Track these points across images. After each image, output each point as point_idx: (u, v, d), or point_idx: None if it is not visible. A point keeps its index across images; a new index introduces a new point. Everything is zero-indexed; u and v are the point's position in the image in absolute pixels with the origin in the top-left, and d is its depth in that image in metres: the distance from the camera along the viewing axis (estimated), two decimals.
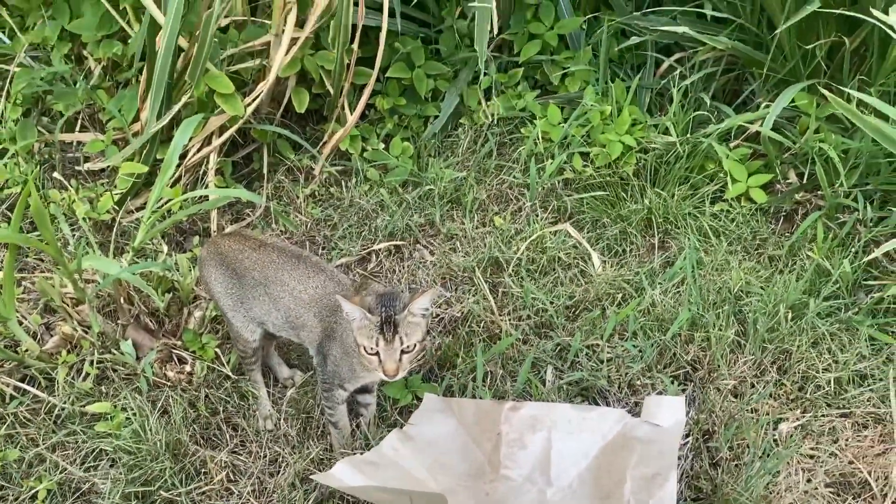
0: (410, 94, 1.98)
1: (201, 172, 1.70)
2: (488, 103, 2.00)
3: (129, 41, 1.88)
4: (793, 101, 1.70)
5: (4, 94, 1.86)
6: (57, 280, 1.40)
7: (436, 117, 1.96)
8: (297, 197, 1.75)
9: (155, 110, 1.56)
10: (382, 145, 1.91)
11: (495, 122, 1.96)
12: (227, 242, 1.27)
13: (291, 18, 1.63)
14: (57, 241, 1.31)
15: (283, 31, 1.65)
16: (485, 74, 2.02)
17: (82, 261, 1.28)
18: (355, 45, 1.72)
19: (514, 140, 1.92)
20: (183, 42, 1.61)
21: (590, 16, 2.00)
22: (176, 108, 1.59)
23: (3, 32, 2.03)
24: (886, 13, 1.40)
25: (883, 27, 1.43)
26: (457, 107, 1.98)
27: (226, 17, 1.70)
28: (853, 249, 1.50)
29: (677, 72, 1.86)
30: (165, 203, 1.48)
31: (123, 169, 1.56)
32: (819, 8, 1.59)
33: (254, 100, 1.62)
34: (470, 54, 2.05)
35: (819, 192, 1.62)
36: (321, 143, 1.85)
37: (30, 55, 1.94)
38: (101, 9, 1.87)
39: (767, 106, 1.72)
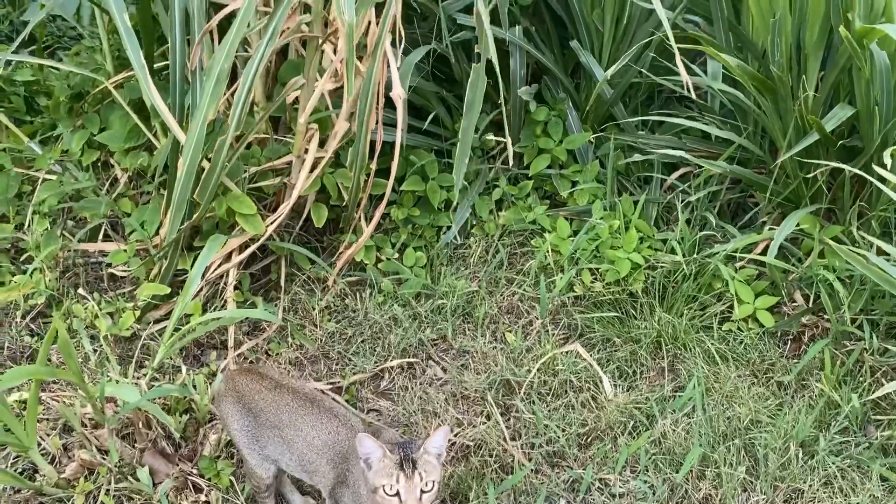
0: (424, 205, 2.04)
1: (220, 286, 1.74)
2: (499, 214, 2.06)
3: (155, 153, 1.96)
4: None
5: (32, 204, 1.94)
6: (77, 402, 1.42)
7: (448, 227, 2.01)
8: (313, 309, 1.79)
9: (175, 228, 1.61)
10: (396, 254, 1.96)
11: (506, 233, 2.01)
12: (244, 380, 1.30)
13: (314, 143, 1.70)
14: (78, 360, 1.35)
15: (306, 153, 1.72)
16: (496, 186, 2.10)
17: (104, 387, 1.30)
18: (373, 165, 1.79)
19: (525, 252, 1.97)
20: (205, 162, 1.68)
21: (598, 134, 2.07)
22: (196, 216, 1.64)
23: (35, 139, 2.12)
24: (881, 155, 1.46)
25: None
26: (468, 217, 2.04)
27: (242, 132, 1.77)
28: (861, 380, 1.52)
29: (682, 188, 1.93)
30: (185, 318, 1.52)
31: (146, 291, 1.61)
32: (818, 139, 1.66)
33: (274, 220, 1.68)
34: (481, 166, 2.13)
35: (826, 316, 1.65)
36: (337, 254, 1.90)
37: (57, 160, 2.02)
38: (130, 121, 1.96)
39: (772, 228, 1.78)
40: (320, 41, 1.56)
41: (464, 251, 1.98)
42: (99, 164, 2.09)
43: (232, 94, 1.61)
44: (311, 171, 1.70)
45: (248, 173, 1.78)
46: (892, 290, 1.37)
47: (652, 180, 2.02)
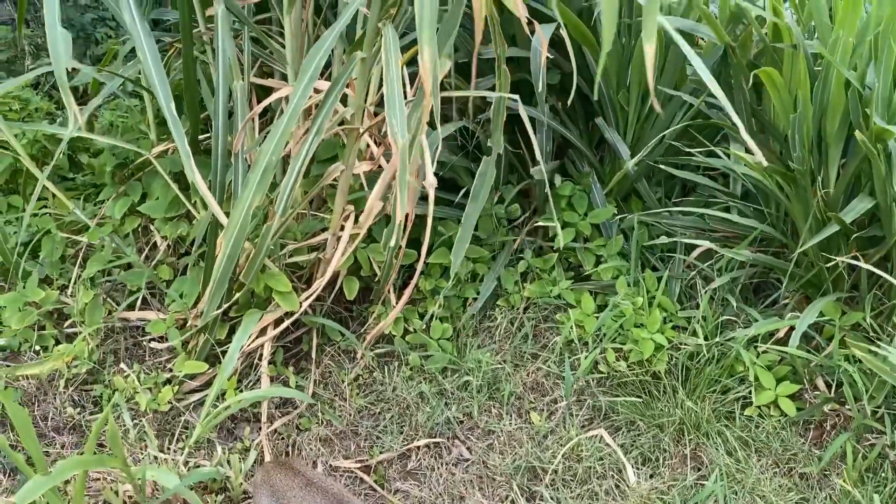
0: (449, 275, 2.09)
1: (254, 359, 1.80)
2: (524, 285, 2.11)
3: (195, 222, 2.04)
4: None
5: (76, 274, 2.02)
6: (119, 482, 1.48)
7: (475, 299, 2.07)
8: (343, 381, 1.84)
9: (214, 306, 1.68)
10: (423, 325, 2.01)
11: (531, 305, 2.06)
12: (279, 475, 1.37)
13: (349, 223, 1.77)
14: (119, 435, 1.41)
15: (342, 229, 1.79)
16: (521, 259, 2.15)
17: (145, 471, 1.36)
18: (403, 242, 1.85)
19: (550, 327, 2.01)
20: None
21: (621, 215, 2.12)
22: (235, 297, 1.71)
23: (79, 205, 2.22)
24: None
25: None
26: (494, 289, 2.09)
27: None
28: (883, 476, 1.54)
29: (704, 267, 1.97)
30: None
31: (185, 369, 1.67)
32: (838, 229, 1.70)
33: (309, 296, 1.74)
34: (507, 238, 2.19)
35: (848, 406, 1.67)
36: (366, 326, 1.96)
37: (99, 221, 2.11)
38: (171, 192, 2.04)
39: (794, 313, 1.81)
40: (361, 131, 1.63)
41: (490, 323, 2.03)
42: (139, 229, 2.17)
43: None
44: (346, 250, 1.76)
45: (285, 250, 1.85)
46: None
47: (675, 255, 2.06)
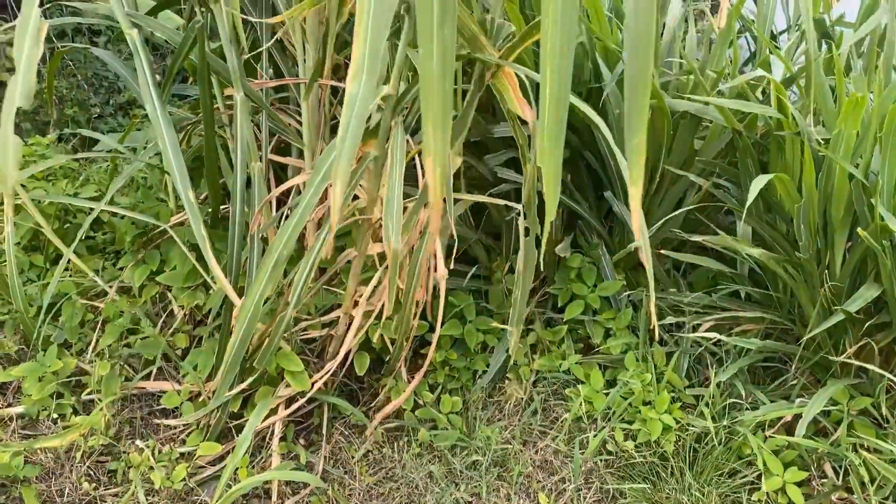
0: (460, 346, 2.12)
1: (266, 435, 1.84)
2: (534, 357, 2.13)
3: (211, 293, 2.09)
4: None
5: (94, 338, 2.07)
6: None
7: (484, 371, 2.09)
8: (353, 457, 1.87)
9: (226, 387, 1.72)
10: (433, 397, 2.04)
11: (540, 379, 2.08)
12: None
13: (363, 301, 1.81)
14: None
15: (355, 306, 1.83)
16: (531, 330, 2.18)
17: None
18: (415, 322, 1.88)
19: (559, 402, 2.03)
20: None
21: (630, 291, 2.14)
22: (247, 381, 1.75)
23: (98, 264, 2.28)
24: None
25: None
26: (504, 361, 2.11)
27: None
28: None
29: (713, 344, 1.99)
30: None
31: (200, 450, 1.71)
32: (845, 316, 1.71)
33: (321, 377, 1.77)
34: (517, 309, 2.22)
35: (856, 495, 1.67)
36: (376, 401, 1.99)
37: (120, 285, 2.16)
38: (189, 262, 2.09)
39: (802, 397, 1.82)
40: (373, 220, 1.68)
41: (499, 397, 2.05)
42: (157, 295, 2.23)
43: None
44: (358, 332, 1.80)
45: (298, 326, 1.89)
46: None
47: (683, 328, 2.08)
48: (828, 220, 1.80)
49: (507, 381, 2.09)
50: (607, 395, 1.96)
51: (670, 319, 1.97)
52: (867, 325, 1.75)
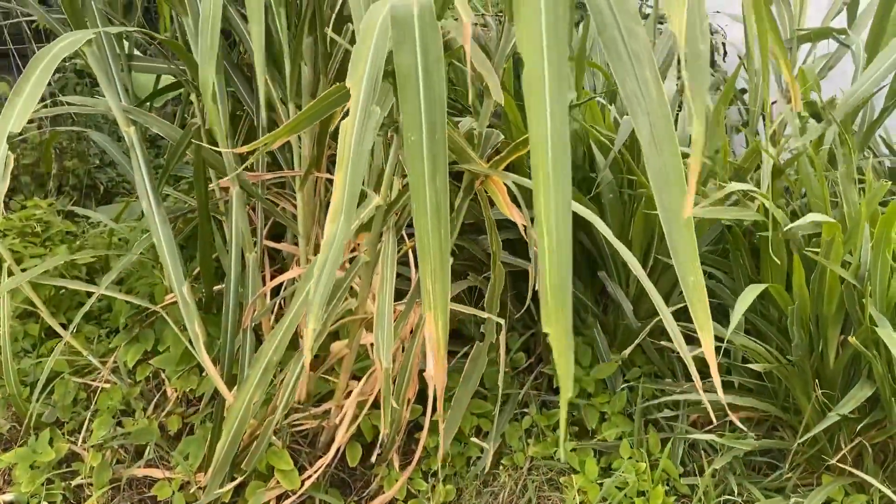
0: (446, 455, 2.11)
1: None
2: (528, 442, 2.12)
3: (203, 378, 2.09)
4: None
5: (87, 416, 2.07)
6: None
7: (479, 457, 2.08)
8: None
9: (216, 485, 1.71)
10: (427, 485, 2.02)
11: (535, 466, 2.07)
12: None
13: (356, 391, 1.80)
14: None
15: (347, 397, 1.83)
16: (525, 414, 2.17)
17: None
18: (407, 413, 1.87)
19: (553, 491, 2.01)
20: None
21: (627, 383, 2.14)
22: (238, 479, 1.74)
23: (92, 341, 2.28)
24: None
25: None
26: (499, 447, 2.10)
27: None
28: None
29: (707, 429, 1.98)
30: None
31: None
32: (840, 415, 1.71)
33: (311, 475, 1.76)
34: (511, 389, 2.21)
35: None
36: (369, 489, 1.97)
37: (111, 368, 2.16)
38: (182, 344, 2.10)
39: (797, 484, 1.81)
40: (366, 319, 1.68)
41: (493, 486, 2.03)
42: (150, 375, 2.22)
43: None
44: (350, 426, 1.79)
45: (290, 419, 1.89)
46: None
47: (678, 416, 2.07)
48: (820, 317, 1.80)
49: (501, 468, 2.07)
50: (601, 484, 1.94)
51: (666, 413, 1.97)
52: (862, 423, 1.74)
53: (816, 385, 1.73)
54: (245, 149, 1.17)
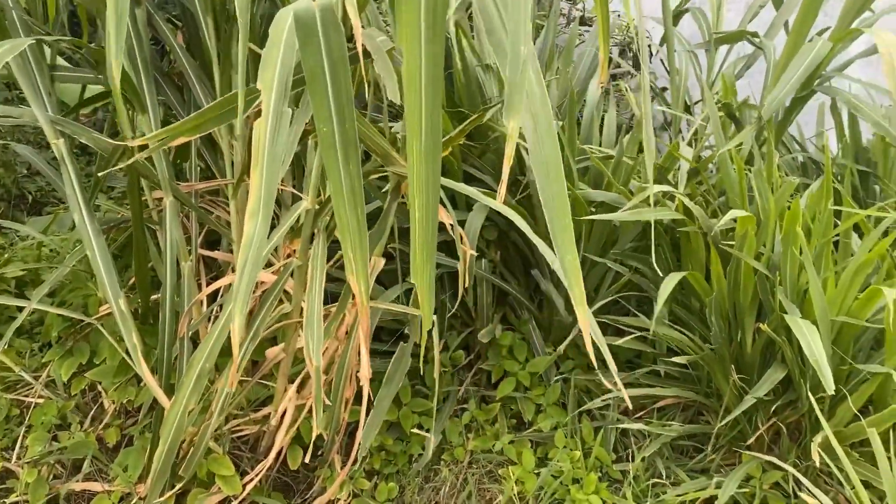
0: (395, 430, 2.15)
1: None
2: (468, 437, 2.18)
3: (141, 388, 2.08)
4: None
5: (20, 438, 2.03)
6: None
7: (420, 454, 2.12)
8: None
9: (156, 493, 1.71)
10: (369, 483, 2.06)
11: (475, 460, 2.13)
12: None
13: (293, 394, 1.83)
14: None
15: (280, 413, 1.85)
16: (465, 409, 2.23)
17: None
18: (346, 415, 1.91)
19: (493, 483, 2.07)
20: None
21: (562, 375, 2.22)
22: (178, 486, 1.74)
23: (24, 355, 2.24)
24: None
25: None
26: (440, 443, 2.15)
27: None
28: None
29: (638, 415, 2.07)
30: None
31: None
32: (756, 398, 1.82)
33: (252, 479, 1.78)
34: (451, 387, 2.27)
35: None
36: (312, 491, 2.00)
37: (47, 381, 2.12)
38: (119, 356, 2.08)
39: (719, 473, 1.92)
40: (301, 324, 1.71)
41: (435, 481, 2.08)
42: (86, 388, 2.19)
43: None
44: (290, 429, 1.81)
45: (230, 425, 1.90)
46: None
47: (609, 407, 2.16)
48: (737, 306, 1.91)
49: (442, 463, 2.13)
50: (538, 474, 2.02)
51: (597, 403, 2.05)
52: (777, 404, 1.86)
53: (733, 370, 1.84)
54: (140, 141, 1.20)
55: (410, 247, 1.10)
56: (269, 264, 1.95)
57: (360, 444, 1.86)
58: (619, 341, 1.95)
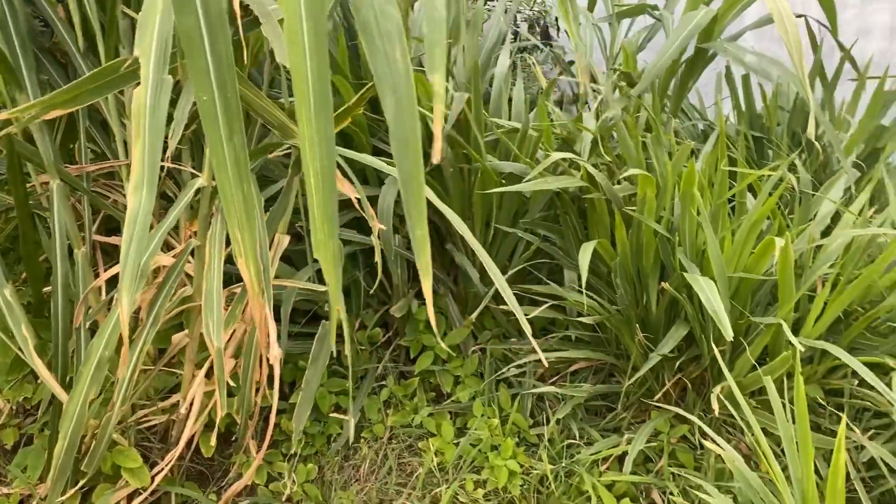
0: (313, 411, 2.12)
1: None
2: (387, 413, 2.17)
3: (38, 385, 1.97)
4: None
5: None
6: None
7: (339, 434, 2.11)
8: None
9: (57, 492, 1.63)
10: (288, 466, 2.03)
11: (394, 436, 2.13)
12: None
13: (202, 380, 1.77)
14: None
15: (189, 400, 1.79)
16: (383, 386, 2.22)
17: None
18: (258, 398, 1.87)
19: (413, 456, 2.08)
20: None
21: (479, 345, 2.24)
22: (81, 483, 1.67)
23: None
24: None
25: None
26: (359, 421, 2.14)
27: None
28: None
29: (553, 380, 2.12)
30: None
31: None
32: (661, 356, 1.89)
33: (163, 469, 1.72)
34: (369, 364, 2.26)
35: None
36: (228, 478, 1.95)
37: None
38: (11, 351, 1.96)
39: (630, 429, 1.98)
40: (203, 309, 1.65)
41: (355, 459, 2.07)
42: None
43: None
44: (198, 417, 1.76)
45: (136, 416, 1.82)
46: None
47: (525, 372, 2.20)
48: (640, 268, 1.97)
49: (361, 441, 2.12)
50: (458, 444, 2.03)
51: (513, 370, 2.08)
52: (681, 360, 1.93)
53: (638, 330, 1.90)
54: (7, 114, 1.13)
55: (310, 220, 1.07)
56: (172, 247, 1.88)
57: (273, 426, 1.82)
58: (535, 312, 1.98)
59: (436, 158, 0.78)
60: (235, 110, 1.03)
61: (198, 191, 1.64)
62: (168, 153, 1.50)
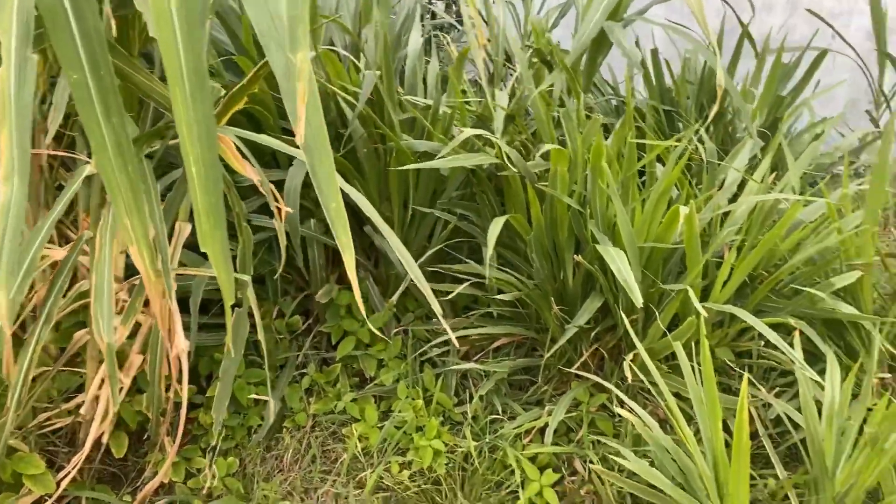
0: (232, 403, 2.07)
1: None
2: (309, 401, 2.13)
3: None
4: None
5: None
6: None
7: (259, 425, 2.06)
8: None
9: None
10: (207, 462, 1.97)
11: (317, 424, 2.09)
12: None
13: (105, 386, 1.69)
14: None
15: (100, 388, 1.70)
16: (304, 374, 2.18)
17: None
18: (170, 394, 1.80)
19: (337, 443, 2.05)
20: None
21: (402, 327, 2.22)
22: None
23: None
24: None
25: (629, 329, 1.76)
26: (280, 410, 2.09)
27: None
28: None
29: (477, 358, 2.13)
30: None
31: None
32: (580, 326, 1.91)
33: (67, 474, 1.64)
34: (289, 353, 2.21)
35: None
36: (143, 477, 1.87)
37: None
38: None
39: (552, 401, 2.01)
40: None
41: (277, 450, 2.03)
42: None
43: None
44: (105, 416, 1.68)
45: (38, 419, 1.73)
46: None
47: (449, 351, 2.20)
48: (556, 242, 1.99)
49: (284, 431, 2.07)
50: (382, 427, 2.02)
51: (436, 350, 2.08)
52: (597, 330, 1.97)
53: (553, 303, 1.92)
54: None
55: (194, 210, 1.01)
56: (68, 240, 1.78)
57: (189, 420, 1.76)
58: (455, 291, 1.97)
59: (299, 140, 0.75)
60: (111, 88, 0.97)
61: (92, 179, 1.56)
62: (47, 139, 1.41)
